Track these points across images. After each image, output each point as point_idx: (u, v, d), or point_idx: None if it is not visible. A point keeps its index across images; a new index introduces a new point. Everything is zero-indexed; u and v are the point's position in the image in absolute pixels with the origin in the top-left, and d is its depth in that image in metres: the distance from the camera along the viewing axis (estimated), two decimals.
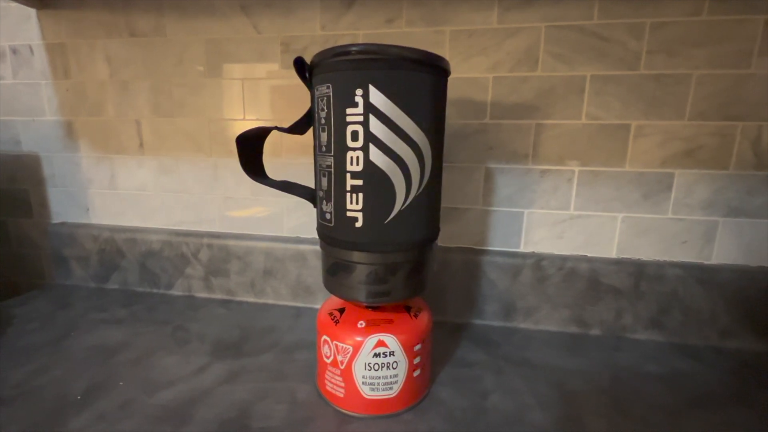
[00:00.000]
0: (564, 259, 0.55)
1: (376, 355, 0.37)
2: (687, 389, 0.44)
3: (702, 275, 0.52)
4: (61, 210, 0.70)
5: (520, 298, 0.57)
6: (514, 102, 0.54)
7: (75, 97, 0.65)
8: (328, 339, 0.38)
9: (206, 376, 0.45)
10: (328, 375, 0.39)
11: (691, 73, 0.50)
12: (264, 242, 0.62)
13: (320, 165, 0.36)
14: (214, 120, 0.62)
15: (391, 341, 0.37)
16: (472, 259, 0.57)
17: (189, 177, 0.65)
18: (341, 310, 0.40)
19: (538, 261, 0.55)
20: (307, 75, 0.36)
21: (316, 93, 0.35)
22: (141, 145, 0.65)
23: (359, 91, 0.31)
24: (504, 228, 0.57)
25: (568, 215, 0.56)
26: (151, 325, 0.56)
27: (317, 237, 0.62)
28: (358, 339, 0.37)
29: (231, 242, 0.63)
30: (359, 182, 0.33)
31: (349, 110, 0.32)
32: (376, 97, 0.31)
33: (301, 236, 0.63)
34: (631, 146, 0.52)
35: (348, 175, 0.33)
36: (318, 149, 0.36)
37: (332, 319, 0.39)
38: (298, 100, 0.59)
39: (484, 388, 0.44)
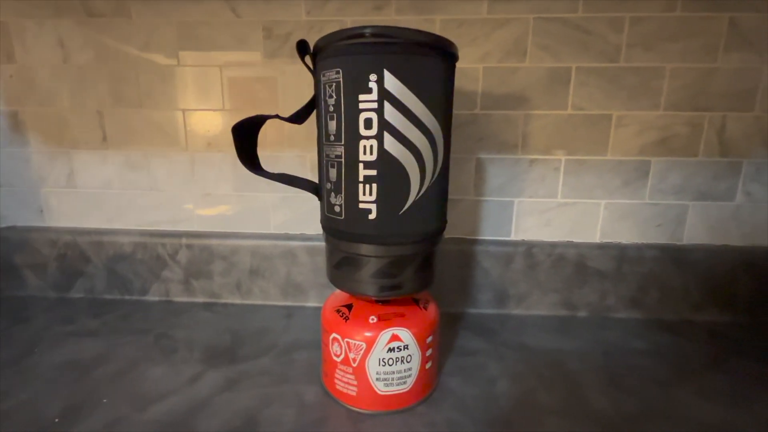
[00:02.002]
0: (553, 245, 0.57)
1: (391, 349, 0.36)
2: (671, 361, 0.47)
3: (675, 255, 0.56)
4: (8, 213, 0.62)
5: (512, 285, 0.58)
6: (503, 93, 0.55)
7: (21, 85, 0.58)
8: (338, 337, 0.37)
9: (202, 385, 0.42)
10: (338, 374, 0.38)
11: (665, 66, 0.53)
12: (250, 240, 0.59)
13: (327, 155, 0.34)
14: (190, 111, 0.57)
15: (405, 335, 0.36)
16: (465, 249, 0.57)
17: (162, 173, 0.60)
18: (349, 306, 0.38)
19: (529, 248, 0.57)
20: (310, 60, 0.34)
21: (323, 79, 0.33)
22: (104, 138, 0.59)
23: (373, 77, 0.30)
24: (495, 217, 0.58)
25: (556, 203, 0.58)
26: (129, 335, 0.51)
27: (305, 233, 0.60)
28: (372, 335, 0.36)
29: (213, 241, 0.59)
30: (373, 172, 0.32)
31: (362, 97, 0.31)
32: (392, 82, 0.30)
33: (290, 232, 0.60)
34: (613, 135, 0.55)
35: (361, 165, 0.32)
36: (325, 139, 0.34)
37: (341, 316, 0.38)
38: (284, 89, 0.56)
39: (490, 374, 0.44)
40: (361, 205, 0.33)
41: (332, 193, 0.34)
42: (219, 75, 0.56)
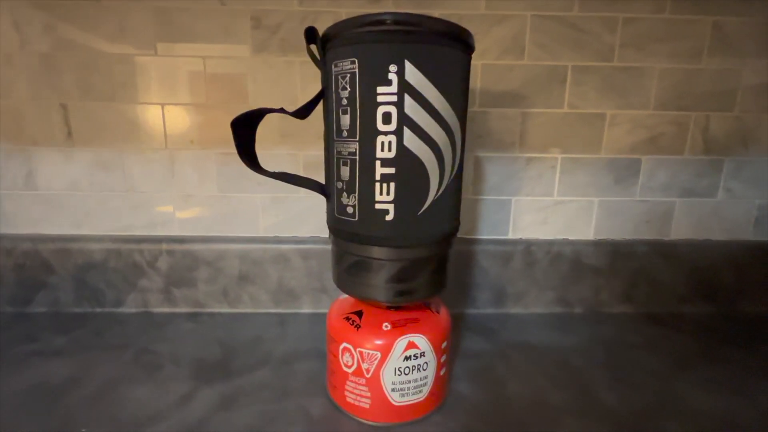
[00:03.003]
0: (551, 243, 0.57)
1: (407, 358, 0.34)
2: (665, 354, 0.49)
3: (663, 250, 0.58)
4: None
5: (510, 284, 0.58)
6: (501, 90, 0.54)
7: None
8: (349, 347, 0.35)
9: (195, 404, 0.38)
10: (349, 386, 0.35)
11: (655, 67, 0.54)
12: (237, 244, 0.55)
13: (339, 152, 0.32)
14: (170, 105, 0.53)
15: (422, 341, 0.34)
16: (464, 248, 0.56)
17: (137, 172, 0.55)
18: (359, 313, 0.36)
19: (528, 247, 0.57)
20: (317, 49, 0.31)
21: (335, 69, 0.30)
22: (69, 134, 0.53)
23: (393, 67, 0.28)
24: (493, 216, 0.58)
25: (552, 201, 0.58)
26: (105, 352, 0.46)
27: (297, 236, 0.57)
28: (387, 343, 0.34)
29: (197, 246, 0.55)
30: (391, 170, 0.30)
31: (380, 89, 0.29)
32: (413, 74, 0.28)
33: (280, 235, 0.57)
34: (606, 134, 0.56)
35: (378, 163, 0.30)
36: (336, 134, 0.32)
37: (352, 324, 0.35)
38: (273, 84, 0.53)
39: (499, 376, 0.43)
40: (378, 206, 0.31)
41: (344, 193, 0.32)
42: (202, 66, 0.52)
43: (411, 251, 0.32)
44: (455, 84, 0.30)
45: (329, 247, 0.55)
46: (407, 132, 0.29)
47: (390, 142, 0.29)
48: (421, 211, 0.31)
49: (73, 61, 0.51)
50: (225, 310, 0.57)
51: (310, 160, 0.55)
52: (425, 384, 0.35)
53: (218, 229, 0.57)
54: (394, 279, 0.33)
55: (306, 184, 0.35)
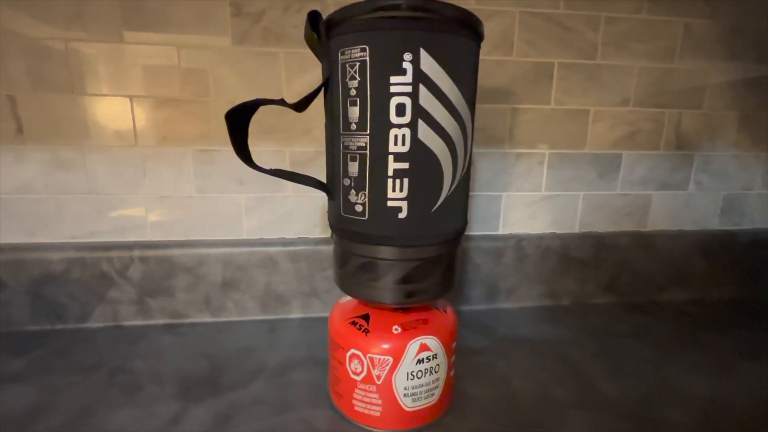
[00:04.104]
0: (540, 237, 0.58)
1: (420, 361, 0.33)
2: (651, 341, 0.51)
3: (642, 242, 0.61)
4: None
5: (502, 280, 0.58)
6: (491, 86, 0.54)
7: None
8: (358, 353, 0.33)
9: (186, 426, 0.34)
10: (358, 394, 0.34)
11: (634, 65, 0.56)
12: (219, 248, 0.51)
13: (346, 147, 0.30)
14: (140, 98, 0.48)
15: (434, 343, 0.33)
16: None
17: (102, 172, 0.49)
18: (366, 317, 0.34)
19: (519, 242, 0.57)
20: (320, 35, 0.29)
21: (341, 58, 0.28)
22: (19, 130, 0.47)
23: (408, 56, 0.26)
24: (484, 211, 0.58)
25: (540, 196, 0.59)
26: (73, 374, 0.41)
27: (285, 237, 0.54)
28: (399, 347, 0.32)
29: (175, 252, 0.50)
30: (404, 165, 0.28)
31: (393, 79, 0.27)
32: (428, 63, 0.27)
33: (266, 237, 0.54)
34: (590, 130, 0.57)
35: (390, 158, 0.28)
36: (342, 127, 0.30)
37: (359, 329, 0.33)
38: (257, 76, 0.49)
39: (501, 373, 0.43)
40: (390, 203, 0.29)
41: (352, 191, 0.30)
42: (176, 57, 0.48)
43: (424, 250, 0.31)
44: (468, 74, 0.29)
45: (320, 247, 0.53)
46: (422, 124, 0.28)
47: (404, 136, 0.28)
48: (435, 207, 0.30)
49: (21, 48, 0.45)
50: (207, 319, 0.52)
51: (298, 157, 0.52)
52: (437, 387, 0.34)
53: (197, 232, 0.52)
54: (406, 280, 0.31)
55: (305, 182, 0.33)
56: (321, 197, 0.54)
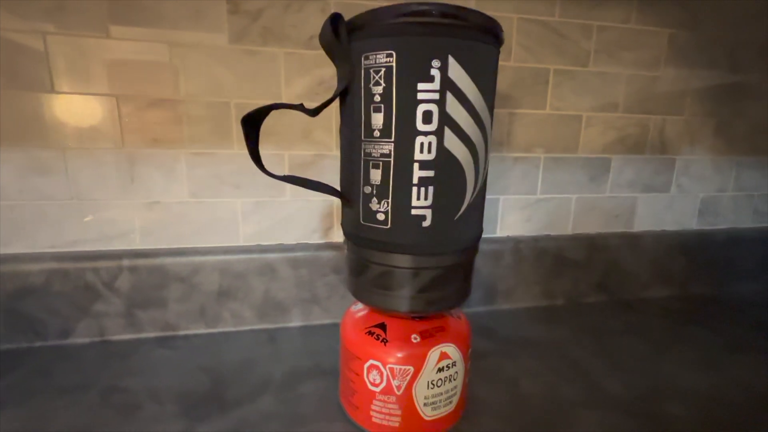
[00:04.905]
0: (535, 240, 0.59)
1: (440, 369, 0.32)
2: (644, 337, 0.53)
3: (630, 242, 0.63)
4: None
5: (500, 281, 0.59)
6: None
7: None
8: (377, 364, 0.32)
9: None
10: (376, 405, 0.33)
11: (623, 73, 0.58)
12: (215, 256, 0.49)
13: (368, 154, 0.29)
14: (126, 97, 0.45)
15: (453, 351, 0.33)
16: None
17: (86, 177, 0.46)
18: (383, 326, 0.34)
19: (516, 244, 0.58)
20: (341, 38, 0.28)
21: (365, 63, 0.27)
22: None
23: (436, 63, 0.26)
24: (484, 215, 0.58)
25: (535, 199, 0.60)
26: (60, 396, 0.38)
27: (283, 243, 0.52)
28: (420, 356, 0.32)
29: (167, 261, 0.48)
30: (430, 173, 0.28)
31: (421, 86, 0.26)
32: (456, 70, 0.26)
33: (264, 244, 0.52)
34: (583, 135, 0.59)
35: (416, 166, 0.28)
36: (365, 134, 0.29)
37: (378, 339, 0.33)
38: (255, 76, 0.47)
39: (510, 375, 0.44)
40: (414, 211, 0.29)
41: (374, 199, 0.29)
42: (167, 55, 0.45)
43: (446, 258, 0.30)
44: (490, 80, 0.29)
45: (320, 253, 0.52)
46: (448, 132, 0.27)
47: (430, 143, 0.27)
48: (458, 215, 0.30)
49: None
50: (202, 330, 0.50)
51: (297, 161, 0.51)
52: (455, 394, 0.34)
53: (192, 239, 0.50)
54: (427, 288, 0.31)
55: (320, 189, 0.32)
56: (320, 202, 0.52)
